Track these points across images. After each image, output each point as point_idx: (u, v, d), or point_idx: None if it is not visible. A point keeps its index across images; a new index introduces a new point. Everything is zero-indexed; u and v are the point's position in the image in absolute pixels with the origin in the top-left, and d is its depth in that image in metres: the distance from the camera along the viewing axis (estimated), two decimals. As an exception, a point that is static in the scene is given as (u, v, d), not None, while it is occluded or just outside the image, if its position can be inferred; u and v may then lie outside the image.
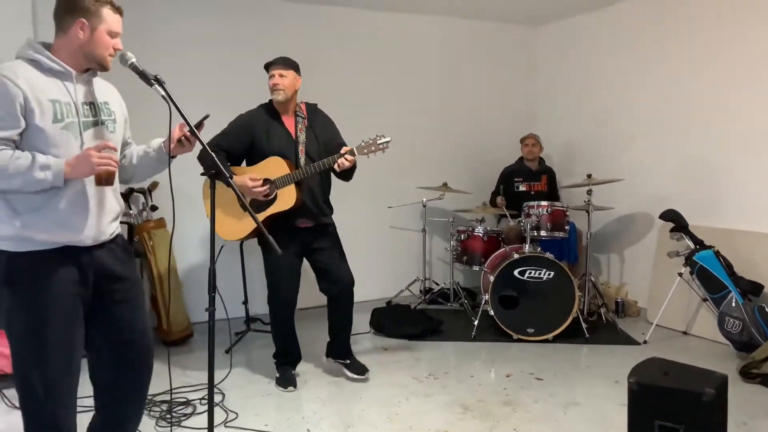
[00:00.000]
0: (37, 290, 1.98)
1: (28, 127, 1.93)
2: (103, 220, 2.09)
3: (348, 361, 3.53)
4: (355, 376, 3.44)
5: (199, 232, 4.70)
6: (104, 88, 2.20)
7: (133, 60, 2.11)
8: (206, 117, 2.23)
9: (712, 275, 4.08)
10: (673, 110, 4.84)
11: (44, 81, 1.98)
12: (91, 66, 2.08)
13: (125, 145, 2.32)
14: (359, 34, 5.39)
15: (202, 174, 2.22)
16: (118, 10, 2.06)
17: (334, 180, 3.50)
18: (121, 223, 2.27)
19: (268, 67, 3.39)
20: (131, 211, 4.42)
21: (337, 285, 3.44)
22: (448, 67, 5.80)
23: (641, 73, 5.09)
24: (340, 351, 3.58)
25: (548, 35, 6.07)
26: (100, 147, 1.96)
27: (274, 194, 3.26)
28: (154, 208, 4.45)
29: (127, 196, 4.38)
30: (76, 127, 2.01)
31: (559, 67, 5.97)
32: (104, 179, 2.00)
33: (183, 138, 2.16)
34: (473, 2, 5.29)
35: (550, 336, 4.24)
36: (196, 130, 2.12)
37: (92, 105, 2.10)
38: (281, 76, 3.32)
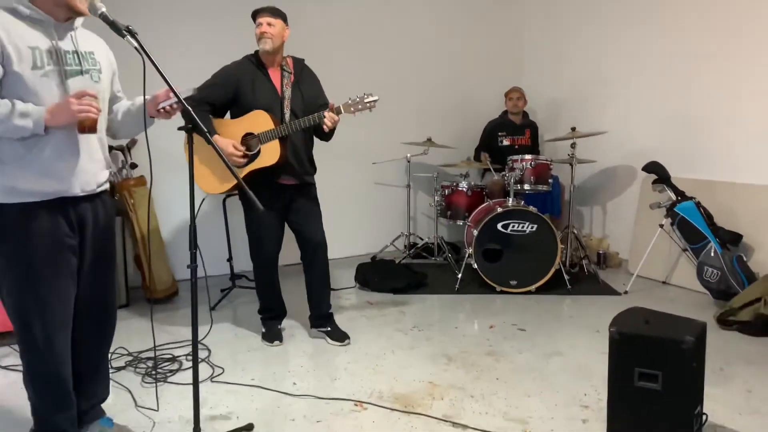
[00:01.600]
0: (28, 245, 2.00)
1: (6, 73, 1.92)
2: (89, 168, 2.09)
3: (329, 329, 3.50)
4: (336, 344, 3.43)
5: (182, 189, 4.58)
6: (90, 39, 2.17)
7: (103, 9, 2.05)
8: (192, 95, 2.18)
9: (692, 226, 4.13)
10: (656, 63, 4.81)
11: (23, 28, 1.96)
12: (68, 13, 2.03)
13: (114, 98, 2.30)
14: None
15: (180, 128, 2.16)
16: None
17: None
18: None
19: (255, 15, 3.27)
20: (111, 169, 4.33)
21: (309, 246, 3.40)
22: (434, 22, 5.69)
23: (625, 26, 5.05)
24: (319, 317, 3.53)
25: (533, -15, 5.95)
26: (80, 94, 1.94)
27: (257, 149, 3.21)
28: (133, 166, 4.37)
29: (105, 153, 4.29)
30: (57, 74, 2.00)
31: (544, 21, 5.88)
32: (87, 127, 1.98)
33: (165, 107, 2.12)
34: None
35: (532, 288, 4.30)
36: (181, 98, 2.07)
37: (76, 54, 2.07)
38: (269, 24, 3.21)
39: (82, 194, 2.09)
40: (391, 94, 5.11)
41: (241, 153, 3.17)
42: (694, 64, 4.53)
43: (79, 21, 2.12)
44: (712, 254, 3.99)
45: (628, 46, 5.03)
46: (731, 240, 4.05)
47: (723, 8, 4.30)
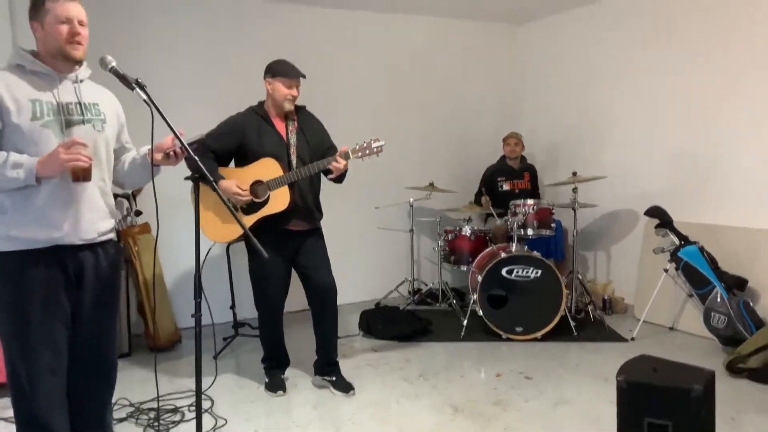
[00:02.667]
0: (21, 291, 2.03)
1: (5, 125, 1.98)
2: (84, 216, 2.11)
3: (333, 378, 3.46)
4: (341, 394, 3.38)
5: (186, 237, 4.60)
6: (96, 91, 2.23)
7: (113, 64, 2.11)
8: (200, 137, 2.23)
9: (697, 271, 4.11)
10: (655, 107, 4.88)
11: (26, 82, 2.04)
12: (67, 63, 2.10)
13: (122, 149, 2.35)
14: (345, 34, 5.37)
15: (187, 178, 2.19)
16: None
17: (322, 180, 3.49)
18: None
19: (283, 74, 3.27)
20: (116, 217, 4.37)
21: (319, 291, 3.40)
22: (433, 66, 5.80)
23: (623, 69, 5.13)
24: (325, 365, 3.49)
25: (531, 33, 6.09)
26: (69, 144, 1.98)
27: (267, 196, 3.24)
28: (138, 213, 4.40)
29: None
30: (56, 124, 2.05)
31: (542, 65, 5.99)
32: (81, 175, 2.01)
33: (171, 152, 2.16)
34: (457, 1, 5.29)
35: (538, 335, 4.26)
36: (186, 145, 2.11)
37: (78, 105, 2.12)
38: (297, 88, 3.31)
39: (80, 243, 2.10)
40: (392, 139, 5.16)
41: (244, 193, 3.20)
42: (695, 106, 4.57)
43: (85, 73, 2.19)
44: (718, 299, 3.97)
45: (627, 89, 5.10)
46: (737, 285, 4.03)
47: (722, 50, 4.37)
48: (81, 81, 2.16)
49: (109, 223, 2.23)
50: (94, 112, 2.16)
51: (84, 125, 2.12)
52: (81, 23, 2.09)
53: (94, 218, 2.15)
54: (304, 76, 3.32)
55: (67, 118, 2.07)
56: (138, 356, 4.09)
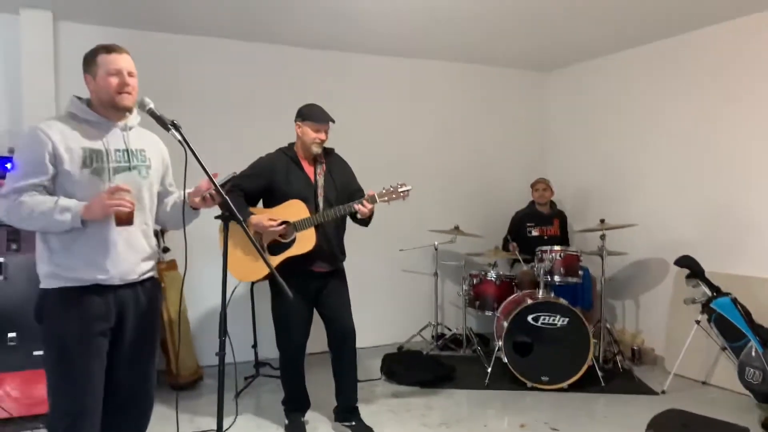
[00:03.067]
0: (61, 325, 2.11)
1: (58, 173, 2.10)
2: (129, 258, 2.21)
3: (353, 423, 3.41)
4: None
5: (211, 274, 4.64)
6: (143, 137, 2.33)
7: (151, 105, 2.19)
8: (233, 175, 2.29)
9: (730, 323, 3.99)
10: (685, 155, 4.83)
11: (79, 131, 2.16)
12: (117, 112, 2.21)
13: (165, 192, 2.45)
14: (373, 79, 5.48)
15: (217, 217, 2.23)
16: (111, 50, 2.19)
17: (347, 221, 3.51)
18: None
19: (312, 119, 3.35)
20: (158, 257, 4.44)
21: (339, 335, 3.39)
22: (460, 111, 5.87)
23: (653, 118, 5.11)
24: (345, 410, 3.45)
25: (559, 80, 6.14)
26: (113, 190, 2.07)
27: (293, 237, 3.27)
28: (165, 250, 4.46)
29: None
30: (104, 171, 2.16)
31: (569, 112, 6.01)
32: (124, 220, 2.09)
33: (208, 196, 2.24)
34: (485, 48, 5.37)
35: (565, 384, 4.15)
36: (219, 187, 2.18)
37: (126, 152, 2.22)
38: (326, 132, 3.38)
39: (121, 283, 2.18)
40: (418, 181, 5.20)
41: (277, 223, 3.23)
42: (727, 155, 4.52)
43: (134, 121, 2.30)
44: (753, 353, 3.83)
45: (658, 138, 5.07)
46: (772, 338, 3.90)
47: (753, 102, 4.34)
48: (130, 128, 2.27)
49: (150, 263, 2.32)
50: (140, 159, 2.26)
51: (130, 172, 2.22)
52: (130, 74, 2.21)
53: (136, 260, 2.24)
54: (333, 121, 3.38)
55: (114, 165, 2.18)
56: (159, 393, 4.04)
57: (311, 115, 3.36)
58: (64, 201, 2.07)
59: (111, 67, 2.17)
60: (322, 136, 3.36)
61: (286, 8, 4.19)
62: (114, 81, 2.16)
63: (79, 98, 2.23)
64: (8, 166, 3.69)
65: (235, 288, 4.06)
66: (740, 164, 4.45)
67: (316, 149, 3.37)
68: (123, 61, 2.19)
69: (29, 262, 3.37)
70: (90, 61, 2.20)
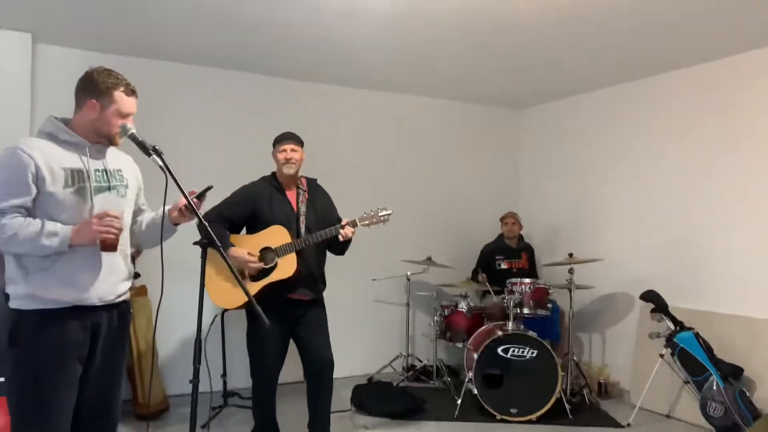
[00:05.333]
0: (38, 350, 2.05)
1: (40, 193, 2.06)
2: (109, 279, 2.19)
3: None
4: None
5: (180, 301, 4.62)
6: (119, 157, 2.33)
7: (133, 131, 2.21)
8: (209, 188, 2.33)
9: (692, 357, 4.10)
10: (651, 192, 4.99)
11: (59, 151, 2.12)
12: (100, 140, 2.21)
13: (138, 211, 2.44)
14: (349, 111, 5.56)
15: (196, 243, 2.24)
16: (132, 93, 2.20)
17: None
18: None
19: (278, 141, 3.47)
20: (132, 280, 4.37)
21: (317, 364, 3.38)
22: (434, 144, 5.98)
23: (617, 155, 5.29)
24: None
25: (530, 118, 6.32)
26: (102, 215, 2.07)
27: (274, 262, 3.28)
28: (136, 276, 4.40)
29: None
30: (86, 191, 2.13)
31: (541, 148, 6.18)
32: (108, 245, 2.09)
33: (184, 208, 2.25)
34: (460, 85, 5.52)
35: (533, 416, 4.19)
36: (195, 203, 2.20)
37: (105, 172, 2.22)
38: (293, 150, 3.43)
39: (99, 304, 2.16)
40: (393, 211, 5.29)
41: (255, 259, 3.25)
42: (690, 192, 4.68)
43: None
44: (714, 387, 3.93)
45: (624, 174, 5.23)
46: (732, 373, 4.01)
47: (715, 140, 4.52)
48: (107, 149, 2.27)
49: (127, 284, 2.31)
50: (117, 179, 2.26)
51: (110, 192, 2.21)
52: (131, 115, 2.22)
53: (114, 281, 2.22)
54: (296, 138, 3.46)
55: (95, 185, 2.16)
56: (126, 423, 3.98)
57: (277, 138, 3.49)
58: (50, 225, 2.03)
59: (125, 110, 2.17)
60: (287, 154, 3.41)
61: (272, 39, 4.26)
62: (119, 122, 2.17)
63: (55, 118, 2.19)
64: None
65: (214, 319, 4.03)
66: (701, 202, 4.61)
67: (287, 170, 3.41)
68: (135, 106, 2.21)
69: (-4, 285, 3.32)
70: (104, 92, 2.13)
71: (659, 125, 4.95)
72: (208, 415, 4.08)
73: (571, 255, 4.75)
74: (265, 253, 3.31)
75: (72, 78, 2.28)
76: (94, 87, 2.15)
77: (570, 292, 4.75)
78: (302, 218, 3.40)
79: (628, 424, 4.19)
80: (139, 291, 4.36)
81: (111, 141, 2.21)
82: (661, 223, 4.90)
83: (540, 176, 6.16)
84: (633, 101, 5.18)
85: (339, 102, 5.50)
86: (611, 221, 5.34)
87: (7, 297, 2.12)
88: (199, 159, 4.74)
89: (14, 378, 2.07)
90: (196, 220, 2.24)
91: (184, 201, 2.24)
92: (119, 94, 2.16)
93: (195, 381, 2.13)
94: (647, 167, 5.04)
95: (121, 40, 4.31)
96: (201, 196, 2.25)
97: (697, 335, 4.14)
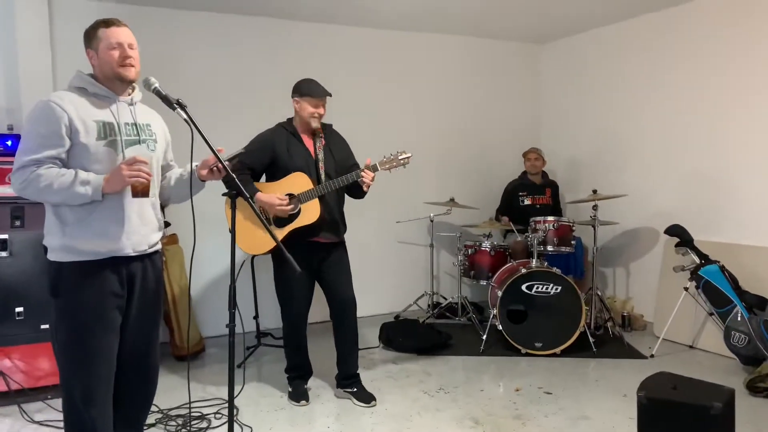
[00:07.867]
0: (80, 300, 2.15)
1: (74, 145, 2.13)
2: (141, 230, 2.26)
3: (355, 389, 3.53)
4: (362, 405, 3.45)
5: (210, 248, 4.76)
6: (148, 112, 2.38)
7: (156, 85, 2.23)
8: (241, 153, 2.36)
9: (717, 289, 4.12)
10: (676, 126, 4.91)
11: (90, 104, 2.18)
12: (122, 84, 2.25)
13: (167, 167, 2.50)
14: (367, 52, 5.48)
15: (224, 194, 2.29)
16: (110, 23, 2.22)
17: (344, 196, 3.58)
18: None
19: (308, 94, 3.38)
20: (163, 231, 4.50)
21: (340, 305, 3.48)
22: (455, 83, 5.89)
23: (643, 89, 5.17)
24: (346, 377, 3.56)
25: (552, 53, 6.17)
26: (131, 161, 2.12)
27: (298, 209, 3.34)
28: (166, 224, 4.51)
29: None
30: (118, 144, 2.20)
31: (563, 84, 6.05)
32: (139, 191, 2.17)
33: (215, 168, 2.30)
34: (479, 21, 5.38)
35: (558, 350, 4.29)
36: (225, 163, 2.24)
37: (134, 126, 2.27)
38: (324, 107, 3.41)
39: (133, 254, 2.24)
40: (413, 154, 5.28)
41: (286, 202, 3.30)
42: (716, 123, 4.59)
43: (138, 97, 2.34)
44: (739, 318, 3.97)
45: (648, 109, 5.14)
46: (757, 304, 4.04)
47: (741, 72, 4.41)
48: (135, 104, 2.32)
49: (158, 235, 2.39)
50: (147, 133, 2.31)
51: (140, 145, 2.27)
52: (131, 46, 2.24)
53: (146, 231, 2.29)
54: (329, 95, 3.42)
55: (125, 138, 2.22)
56: (165, 364, 4.17)
57: (309, 90, 3.40)
58: (83, 174, 2.10)
59: (112, 41, 2.20)
60: (321, 110, 3.41)
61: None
62: (115, 54, 2.20)
63: (83, 73, 2.25)
64: (8, 143, 3.72)
65: (243, 263, 4.14)
66: (726, 135, 4.53)
67: (315, 124, 3.41)
68: (123, 34, 2.22)
69: (34, 238, 3.44)
70: (91, 35, 2.23)
71: (684, 57, 4.81)
72: (243, 354, 4.25)
73: (594, 191, 4.73)
74: (290, 199, 3.36)
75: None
76: (85, 40, 2.25)
77: (594, 229, 4.76)
78: (321, 164, 3.42)
79: (652, 355, 4.27)
80: (170, 239, 4.48)
81: (123, 78, 2.23)
82: (686, 157, 4.84)
83: (562, 112, 6.06)
84: (657, 33, 5.01)
85: (355, 43, 5.41)
86: (636, 157, 5.27)
87: (45, 250, 2.21)
88: (215, 109, 4.75)
89: (58, 326, 2.18)
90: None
91: (212, 160, 2.28)
92: (101, 31, 2.21)
93: (231, 325, 2.22)
94: (671, 101, 4.93)
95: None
96: (232, 159, 2.29)
97: (722, 268, 4.15)
